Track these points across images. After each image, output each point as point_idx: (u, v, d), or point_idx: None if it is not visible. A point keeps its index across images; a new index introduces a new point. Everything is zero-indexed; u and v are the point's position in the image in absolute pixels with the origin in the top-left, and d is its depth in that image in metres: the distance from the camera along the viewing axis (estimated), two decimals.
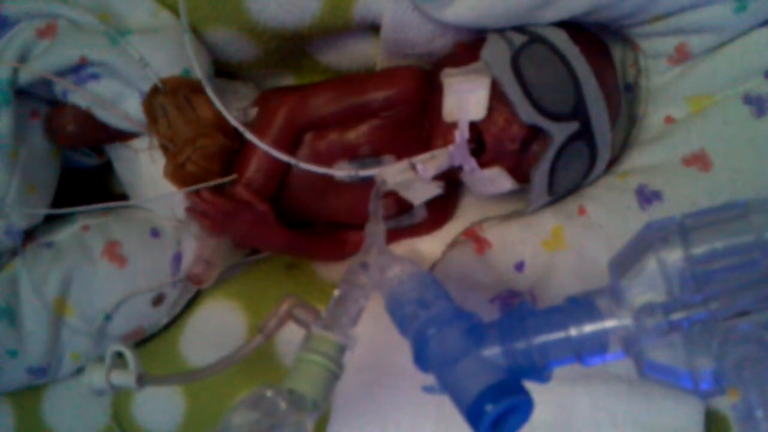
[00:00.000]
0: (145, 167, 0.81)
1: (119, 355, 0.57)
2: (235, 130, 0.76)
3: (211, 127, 0.76)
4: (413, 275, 0.56)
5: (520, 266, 0.79)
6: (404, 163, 0.72)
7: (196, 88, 0.75)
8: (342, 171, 0.74)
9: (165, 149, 0.77)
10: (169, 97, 0.74)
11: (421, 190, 0.74)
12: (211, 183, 0.76)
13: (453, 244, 0.84)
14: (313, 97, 0.78)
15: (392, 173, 0.71)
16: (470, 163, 0.73)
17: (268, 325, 0.57)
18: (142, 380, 0.56)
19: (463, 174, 0.76)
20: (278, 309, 0.57)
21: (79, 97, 0.75)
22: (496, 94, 0.72)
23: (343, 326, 0.55)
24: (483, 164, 0.74)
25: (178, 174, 0.77)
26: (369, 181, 0.72)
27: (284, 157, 0.74)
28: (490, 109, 0.72)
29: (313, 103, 0.78)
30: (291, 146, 0.78)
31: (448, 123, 0.73)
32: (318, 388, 0.51)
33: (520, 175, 0.75)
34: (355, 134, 0.78)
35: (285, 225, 0.81)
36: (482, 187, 0.78)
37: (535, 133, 0.73)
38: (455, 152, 0.73)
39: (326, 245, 0.87)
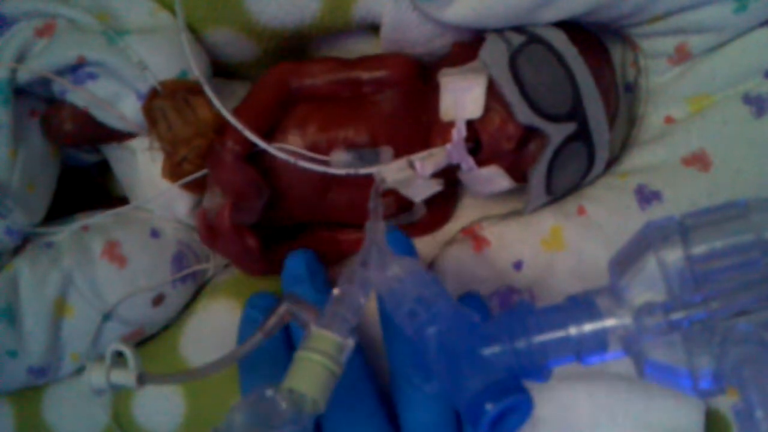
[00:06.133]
0: (144, 167, 0.80)
1: (119, 355, 0.57)
2: None
3: (210, 127, 0.76)
4: (413, 274, 0.56)
5: (518, 265, 0.79)
6: (402, 162, 0.72)
7: (194, 89, 0.75)
8: (342, 170, 0.73)
9: (165, 150, 0.77)
10: (168, 100, 0.74)
11: (421, 188, 0.74)
12: (201, 173, 0.77)
13: (451, 242, 0.84)
14: (305, 65, 0.79)
15: (391, 171, 0.71)
16: (468, 162, 0.73)
17: (268, 324, 0.57)
18: (142, 379, 0.56)
19: (461, 173, 0.76)
20: (278, 308, 0.57)
21: (77, 96, 0.75)
22: (494, 94, 0.72)
23: (343, 325, 0.54)
24: (480, 163, 0.74)
25: (175, 174, 0.77)
26: (368, 177, 0.72)
27: (282, 153, 0.74)
28: (487, 109, 0.72)
29: (306, 69, 0.78)
30: (279, 112, 0.78)
31: (446, 122, 0.74)
32: (318, 387, 0.50)
33: (518, 174, 0.75)
34: (353, 126, 0.78)
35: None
36: (480, 186, 0.78)
37: (531, 134, 0.73)
38: (453, 150, 0.73)
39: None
